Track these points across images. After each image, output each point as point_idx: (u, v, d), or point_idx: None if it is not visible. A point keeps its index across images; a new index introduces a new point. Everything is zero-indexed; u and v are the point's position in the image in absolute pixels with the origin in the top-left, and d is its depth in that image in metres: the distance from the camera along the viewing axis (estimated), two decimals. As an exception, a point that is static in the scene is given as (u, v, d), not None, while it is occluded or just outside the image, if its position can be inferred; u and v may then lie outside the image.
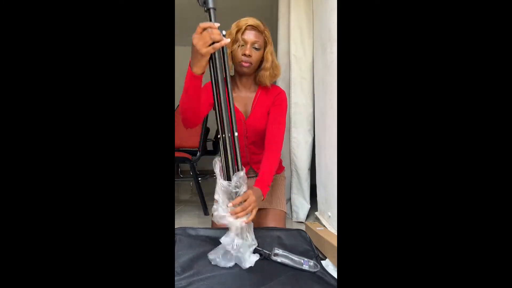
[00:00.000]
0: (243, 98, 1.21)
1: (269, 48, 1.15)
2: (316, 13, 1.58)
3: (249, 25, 1.11)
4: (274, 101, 1.20)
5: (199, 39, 0.75)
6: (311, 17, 1.67)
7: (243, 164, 1.28)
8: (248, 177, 1.30)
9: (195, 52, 0.78)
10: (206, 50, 0.76)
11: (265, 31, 1.14)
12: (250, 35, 1.11)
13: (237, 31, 1.12)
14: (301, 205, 1.73)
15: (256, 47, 1.11)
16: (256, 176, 1.31)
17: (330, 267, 0.81)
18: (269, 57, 1.15)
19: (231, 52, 1.14)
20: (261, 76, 1.17)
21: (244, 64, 1.11)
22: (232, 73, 1.23)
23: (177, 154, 1.90)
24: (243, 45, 1.11)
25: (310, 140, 1.71)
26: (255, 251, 0.89)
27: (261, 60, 1.15)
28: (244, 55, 1.10)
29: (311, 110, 1.70)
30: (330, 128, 1.33)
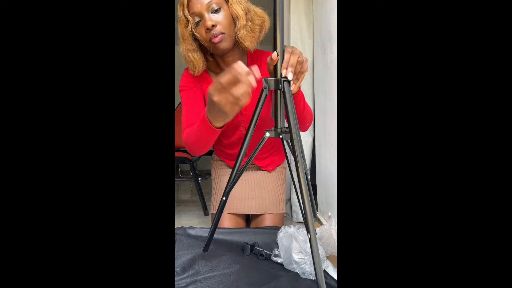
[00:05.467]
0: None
1: (233, 4, 0.86)
2: (316, 13, 1.58)
3: None
4: None
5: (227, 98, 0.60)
6: (311, 17, 1.67)
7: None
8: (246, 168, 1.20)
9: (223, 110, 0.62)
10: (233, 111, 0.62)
11: None
12: (197, 3, 0.83)
13: (182, 10, 0.86)
14: (301, 205, 1.73)
15: (214, 8, 0.83)
16: (255, 167, 1.19)
17: (330, 267, 0.81)
18: (237, 10, 0.85)
19: (194, 38, 0.89)
20: (242, 39, 0.87)
21: (215, 40, 0.84)
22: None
23: (177, 154, 1.90)
24: (199, 21, 0.85)
25: (310, 140, 1.71)
26: (255, 252, 0.88)
27: (233, 21, 0.87)
28: (208, 29, 0.84)
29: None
30: (330, 128, 1.33)
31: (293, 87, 0.68)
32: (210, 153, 2.24)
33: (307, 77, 1.68)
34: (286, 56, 0.66)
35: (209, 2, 0.83)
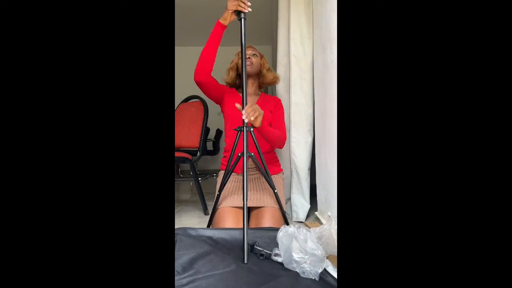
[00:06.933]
0: (249, 100, 1.42)
1: (264, 59, 1.54)
2: (316, 13, 1.58)
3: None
4: (275, 105, 1.46)
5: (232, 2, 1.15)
6: (311, 17, 1.67)
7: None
8: (250, 173, 1.35)
9: (226, 10, 1.18)
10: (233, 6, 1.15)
11: (257, 50, 1.52)
12: (247, 50, 1.46)
13: (238, 52, 1.49)
14: (301, 205, 1.73)
15: (253, 53, 1.47)
16: (255, 169, 1.37)
17: (330, 267, 0.81)
18: (265, 63, 1.53)
19: (236, 65, 1.52)
20: (264, 77, 1.53)
21: (248, 63, 1.38)
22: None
23: (177, 154, 1.90)
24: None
25: (310, 140, 1.71)
26: (255, 251, 0.89)
27: (260, 68, 1.50)
28: (248, 58, 1.40)
29: (311, 110, 1.70)
30: (330, 128, 1.33)
31: (255, 124, 1.13)
32: (211, 153, 2.23)
33: (307, 77, 1.69)
34: (246, 108, 1.10)
35: (252, 51, 1.48)
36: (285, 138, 1.40)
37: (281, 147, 1.41)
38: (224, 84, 1.56)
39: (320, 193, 1.52)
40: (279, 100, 1.51)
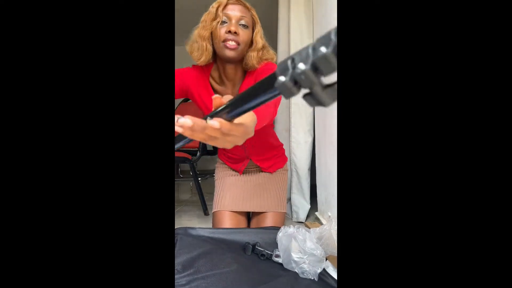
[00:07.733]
0: (229, 94, 1.01)
1: (258, 28, 0.94)
2: (316, 13, 1.58)
3: None
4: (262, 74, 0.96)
5: None
6: (311, 18, 1.67)
7: (243, 158, 1.24)
8: (248, 170, 1.27)
9: None
10: None
11: (252, 10, 0.94)
12: (234, 10, 0.88)
13: (218, 7, 0.89)
14: (301, 205, 1.73)
15: (243, 23, 0.89)
16: (258, 169, 1.27)
17: (330, 268, 0.81)
18: (259, 39, 0.93)
19: (212, 34, 0.91)
20: (248, 58, 0.92)
21: (229, 45, 0.88)
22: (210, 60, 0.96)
23: (177, 154, 1.90)
24: (225, 22, 0.88)
25: (310, 140, 1.71)
26: (256, 252, 0.89)
27: (250, 44, 0.94)
28: (229, 32, 0.87)
29: (311, 110, 1.70)
30: (330, 128, 1.33)
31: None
32: (211, 153, 2.23)
33: (307, 77, 1.68)
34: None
35: (241, 16, 0.88)
36: (272, 112, 0.83)
37: (270, 122, 1.00)
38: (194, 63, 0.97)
39: (320, 193, 1.52)
40: (271, 65, 1.00)
